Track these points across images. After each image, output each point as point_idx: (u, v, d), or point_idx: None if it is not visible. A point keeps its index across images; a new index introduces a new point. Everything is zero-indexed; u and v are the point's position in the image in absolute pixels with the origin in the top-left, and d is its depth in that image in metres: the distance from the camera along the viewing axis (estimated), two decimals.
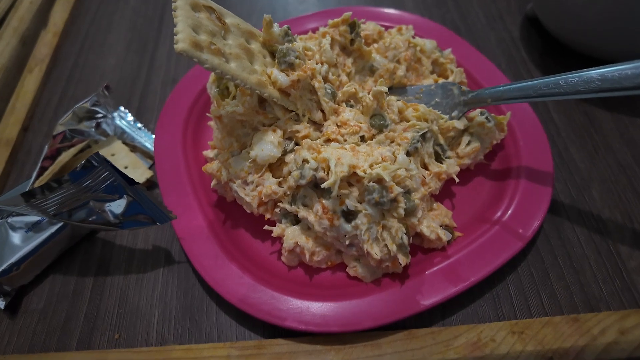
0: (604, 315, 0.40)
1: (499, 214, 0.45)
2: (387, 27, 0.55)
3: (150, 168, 0.53)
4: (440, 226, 0.44)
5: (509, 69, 0.61)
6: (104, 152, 0.53)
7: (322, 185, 0.38)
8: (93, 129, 0.54)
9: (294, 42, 0.42)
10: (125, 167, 0.52)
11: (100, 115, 0.54)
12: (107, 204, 0.41)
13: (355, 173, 0.39)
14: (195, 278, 0.45)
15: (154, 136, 0.53)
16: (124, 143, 0.55)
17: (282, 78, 0.40)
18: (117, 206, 0.41)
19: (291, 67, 0.41)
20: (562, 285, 0.43)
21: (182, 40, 0.34)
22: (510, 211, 0.45)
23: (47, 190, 0.38)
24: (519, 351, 0.38)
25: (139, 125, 0.56)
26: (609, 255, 0.45)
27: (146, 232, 0.49)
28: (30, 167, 0.55)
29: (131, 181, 0.39)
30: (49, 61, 0.65)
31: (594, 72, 0.38)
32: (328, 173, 0.39)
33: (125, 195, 0.41)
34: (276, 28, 0.42)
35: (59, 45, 0.68)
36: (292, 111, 0.43)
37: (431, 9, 0.70)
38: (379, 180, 0.38)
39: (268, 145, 0.42)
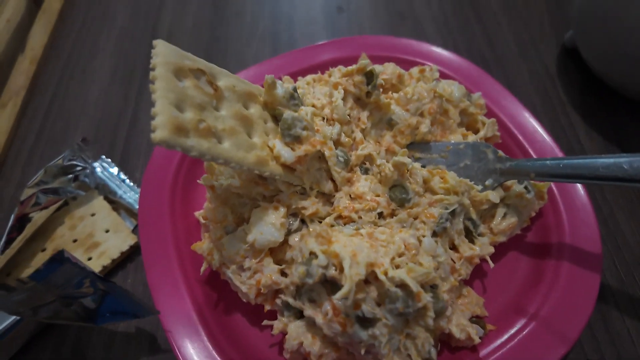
0: None
1: (537, 304, 0.38)
2: (405, 61, 0.48)
3: (133, 231, 0.46)
4: (471, 318, 0.38)
5: (544, 110, 0.54)
6: (83, 211, 0.47)
7: (335, 297, 0.31)
8: (71, 185, 0.47)
9: (301, 108, 0.35)
10: (107, 231, 0.46)
11: (78, 168, 0.47)
12: (79, 300, 0.35)
13: (373, 271, 0.32)
14: None
15: (139, 189, 0.46)
16: (106, 198, 0.48)
17: (287, 154, 0.33)
18: (91, 301, 0.35)
19: (297, 140, 0.34)
20: None
21: (161, 126, 0.27)
22: (551, 301, 0.38)
23: (6, 289, 0.32)
24: None
25: (123, 176, 0.49)
26: None
27: None
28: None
29: (103, 278, 0.33)
30: (24, 93, 0.58)
31: None
32: (340, 270, 0.32)
33: (99, 290, 0.35)
34: (280, 89, 0.35)
35: (37, 74, 0.60)
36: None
37: (455, 34, 0.62)
38: (403, 285, 0.32)
39: (268, 228, 0.35)
